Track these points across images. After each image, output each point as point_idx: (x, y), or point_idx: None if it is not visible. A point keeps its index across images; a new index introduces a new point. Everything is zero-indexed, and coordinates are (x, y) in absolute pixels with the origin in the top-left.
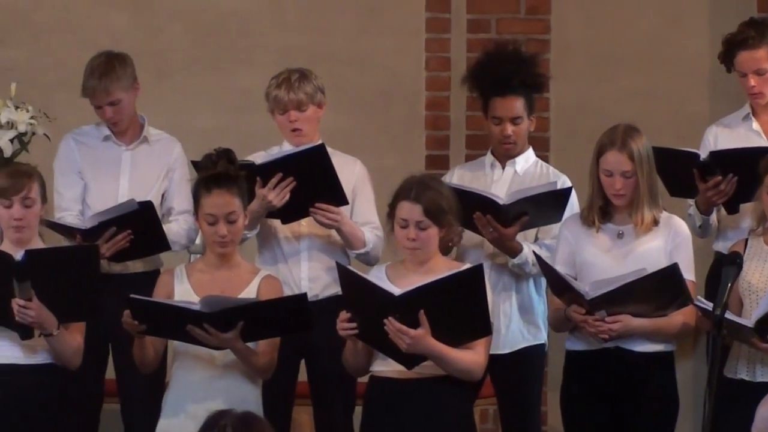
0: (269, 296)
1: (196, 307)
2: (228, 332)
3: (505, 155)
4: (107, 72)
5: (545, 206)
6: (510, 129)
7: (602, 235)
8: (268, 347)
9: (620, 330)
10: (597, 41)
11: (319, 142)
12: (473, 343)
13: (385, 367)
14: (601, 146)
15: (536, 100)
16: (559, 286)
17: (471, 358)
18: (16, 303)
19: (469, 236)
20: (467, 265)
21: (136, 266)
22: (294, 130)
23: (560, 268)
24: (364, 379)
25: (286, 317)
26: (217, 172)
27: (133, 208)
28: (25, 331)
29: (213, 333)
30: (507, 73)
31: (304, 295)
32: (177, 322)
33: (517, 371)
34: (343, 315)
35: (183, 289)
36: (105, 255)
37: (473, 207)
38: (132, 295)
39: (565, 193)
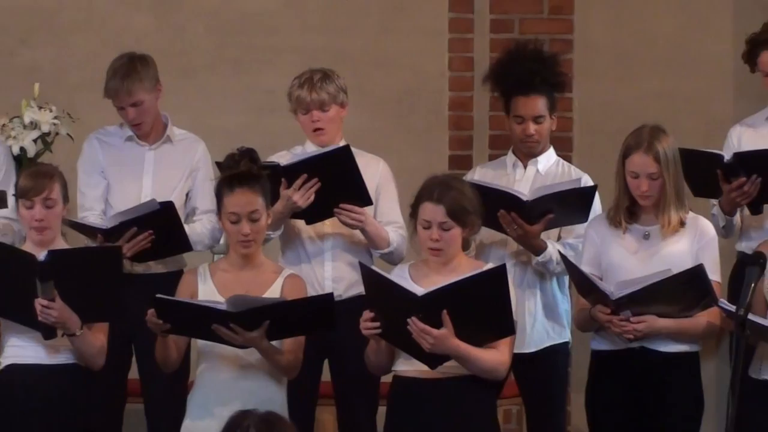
0: (293, 296)
1: (222, 307)
2: (253, 331)
3: (527, 154)
4: (129, 73)
5: (570, 205)
6: (532, 128)
7: (628, 236)
8: (293, 346)
9: (645, 330)
10: (620, 41)
11: (344, 143)
12: (496, 342)
13: (408, 366)
14: (627, 147)
15: (559, 99)
16: (585, 286)
17: (495, 357)
18: (39, 303)
19: (491, 234)
20: (490, 265)
21: (159, 266)
22: (316, 130)
23: (586, 268)
24: (388, 378)
25: (310, 316)
26: (240, 171)
27: (154, 208)
28: (48, 331)
29: (239, 332)
30: (528, 72)
31: (331, 295)
32: (202, 322)
33: (542, 370)
34: (366, 314)
35: (207, 289)
36: (126, 255)
37: (497, 204)
38: (158, 295)
39: (590, 192)
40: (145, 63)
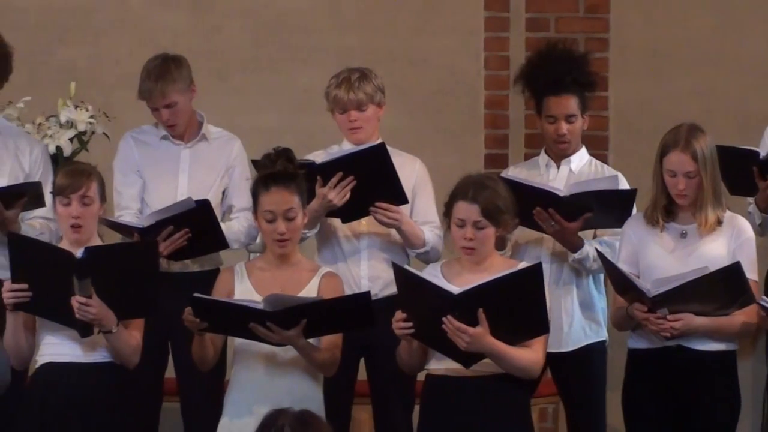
0: (330, 294)
1: (259, 306)
2: (291, 330)
3: (560, 154)
4: (163, 74)
5: (609, 207)
6: (565, 128)
7: (666, 234)
8: (330, 343)
9: (682, 328)
10: (656, 39)
11: (379, 141)
12: (530, 341)
13: (441, 365)
14: (664, 146)
15: (590, 99)
16: (622, 284)
17: (529, 356)
18: (77, 300)
19: (527, 233)
20: (524, 264)
21: (195, 265)
22: (353, 129)
23: (622, 266)
24: (423, 377)
25: (348, 315)
26: (276, 170)
27: (190, 206)
28: (84, 329)
29: (276, 330)
30: (559, 72)
31: (367, 293)
32: (239, 320)
33: (580, 369)
34: (399, 315)
35: (243, 288)
36: (163, 254)
37: (533, 201)
38: (195, 294)
39: (630, 196)
40: (178, 64)
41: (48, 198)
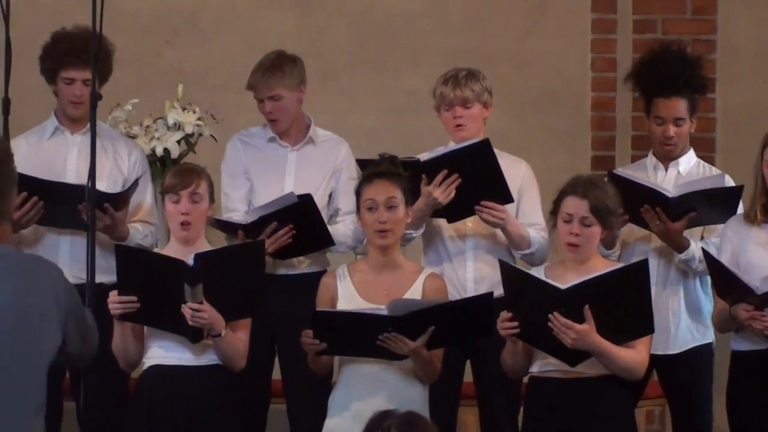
0: (434, 296)
1: (384, 312)
2: (418, 339)
3: (666, 156)
4: (273, 67)
5: (715, 204)
6: (672, 130)
7: (764, 232)
8: (435, 356)
9: None
10: (764, 41)
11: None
12: (634, 342)
13: (545, 367)
14: (766, 140)
15: (700, 101)
16: (725, 284)
17: (633, 356)
18: (190, 307)
19: (634, 231)
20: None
21: (301, 267)
22: (458, 127)
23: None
24: (527, 379)
25: (468, 320)
26: (379, 168)
27: (293, 201)
28: (195, 334)
29: (403, 342)
30: (672, 74)
31: (490, 294)
32: (364, 332)
33: (687, 371)
34: (504, 315)
35: (346, 291)
36: (268, 251)
37: (642, 200)
38: (318, 309)
39: (736, 192)
40: (292, 61)
41: (148, 199)
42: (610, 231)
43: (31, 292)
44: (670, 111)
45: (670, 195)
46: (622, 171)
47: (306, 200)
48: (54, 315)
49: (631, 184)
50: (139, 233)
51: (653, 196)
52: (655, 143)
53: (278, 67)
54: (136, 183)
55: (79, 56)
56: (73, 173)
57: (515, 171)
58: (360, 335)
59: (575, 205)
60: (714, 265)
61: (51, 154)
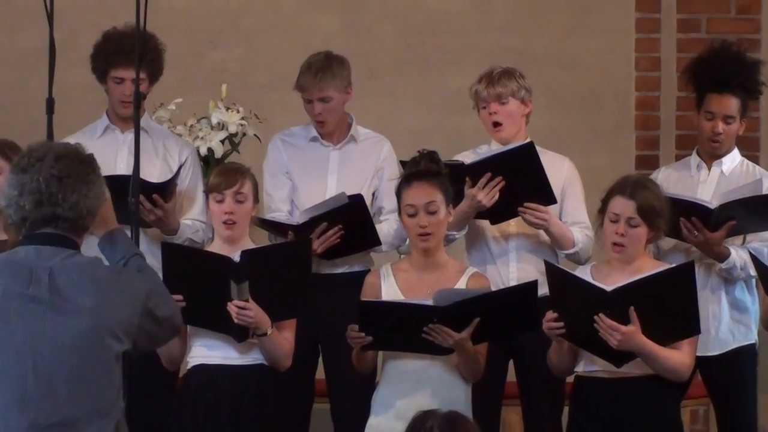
0: None
1: (430, 303)
2: (463, 331)
3: (711, 154)
4: (324, 68)
5: (756, 212)
6: (721, 127)
7: None
8: (479, 353)
9: None
10: None
11: (528, 140)
12: (679, 343)
13: (591, 367)
14: None
15: (750, 105)
16: None
17: (679, 358)
18: (236, 305)
19: (672, 241)
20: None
21: (344, 266)
22: (495, 125)
23: None
24: (572, 378)
25: (513, 313)
26: (419, 169)
27: (343, 201)
28: (240, 333)
29: (449, 333)
30: (728, 73)
31: (535, 282)
32: (407, 325)
33: (728, 372)
34: (550, 315)
35: (390, 290)
36: (317, 251)
37: (681, 213)
38: (364, 299)
39: None
40: (341, 63)
41: (199, 198)
42: (656, 233)
43: (109, 307)
44: (721, 107)
45: (711, 206)
46: (663, 175)
47: (357, 201)
48: (123, 332)
49: (673, 201)
50: (189, 228)
51: (694, 210)
52: (702, 139)
53: (329, 69)
54: (178, 171)
55: (128, 56)
56: (123, 171)
57: (558, 168)
58: (405, 327)
59: (622, 206)
60: (761, 267)
61: (102, 152)
